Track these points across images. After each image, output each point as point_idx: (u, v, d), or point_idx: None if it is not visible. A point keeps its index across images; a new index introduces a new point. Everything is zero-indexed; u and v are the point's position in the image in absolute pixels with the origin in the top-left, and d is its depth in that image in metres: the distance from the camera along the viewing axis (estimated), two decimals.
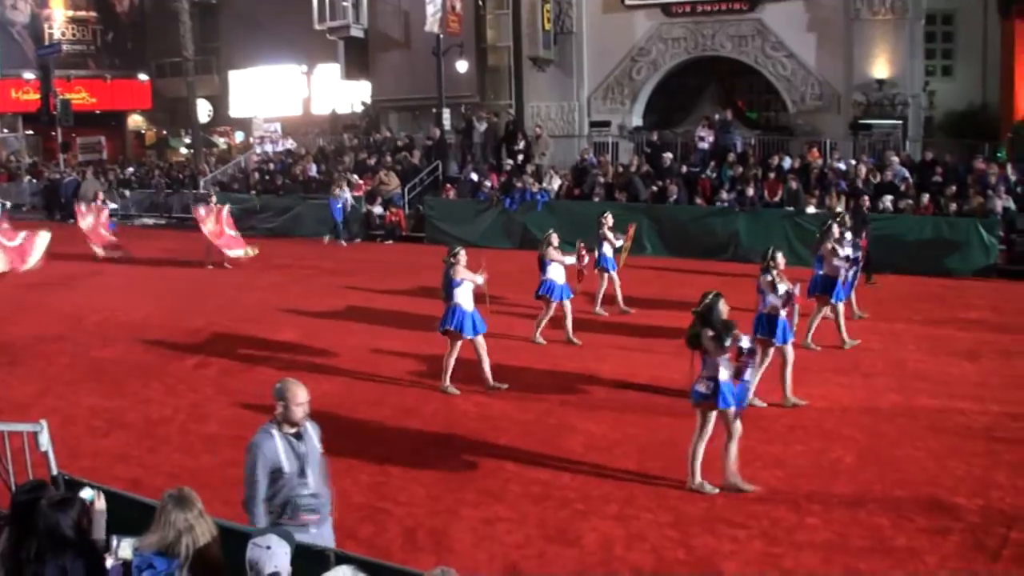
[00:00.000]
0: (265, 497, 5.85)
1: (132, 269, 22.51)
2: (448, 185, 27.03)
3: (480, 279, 11.96)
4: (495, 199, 24.40)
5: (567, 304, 14.14)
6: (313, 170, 30.40)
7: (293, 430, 5.93)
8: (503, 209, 24.07)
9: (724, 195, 22.45)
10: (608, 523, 7.96)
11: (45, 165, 41.86)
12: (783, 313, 11.02)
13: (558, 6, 29.40)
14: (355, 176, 28.05)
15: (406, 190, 27.34)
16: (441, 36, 29.03)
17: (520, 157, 26.71)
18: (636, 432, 10.16)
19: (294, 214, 27.43)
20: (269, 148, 36.57)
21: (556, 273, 14.03)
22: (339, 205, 25.69)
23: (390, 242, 25.94)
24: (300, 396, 5.89)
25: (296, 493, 5.88)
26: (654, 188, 23.23)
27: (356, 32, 34.46)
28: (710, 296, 8.80)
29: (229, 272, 21.47)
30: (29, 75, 43.89)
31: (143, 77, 49.17)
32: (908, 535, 7.70)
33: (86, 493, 5.49)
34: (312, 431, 6.07)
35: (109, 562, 5.13)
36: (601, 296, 16.25)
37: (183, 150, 46.96)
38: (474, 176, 26.15)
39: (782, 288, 10.94)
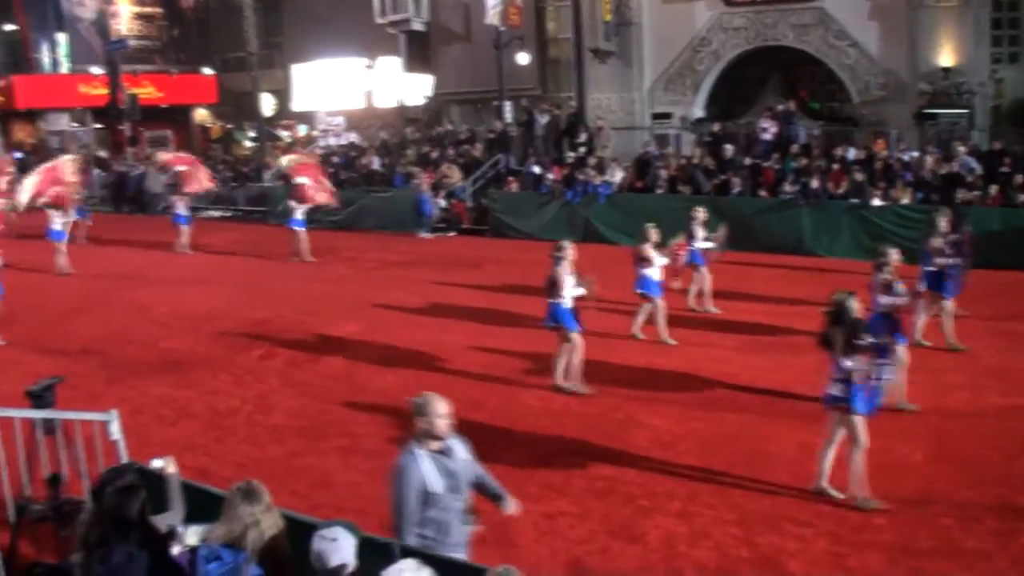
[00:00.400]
0: (416, 521, 5.58)
1: (199, 260, 22.85)
2: (510, 178, 27.04)
3: (575, 285, 11.50)
4: (557, 192, 24.38)
5: (660, 302, 13.77)
6: (376, 163, 30.60)
7: (438, 446, 5.66)
8: (565, 202, 24.03)
9: (787, 187, 22.21)
10: (672, 520, 7.97)
11: (113, 158, 42.56)
12: (898, 311, 10.66)
13: None
14: (418, 170, 28.19)
15: (469, 183, 27.42)
16: (502, 29, 29.06)
17: (582, 149, 26.67)
18: (700, 427, 10.15)
19: (357, 207, 27.58)
20: (332, 141, 36.89)
21: (653, 269, 13.63)
22: (427, 198, 25.76)
23: (453, 235, 26.01)
24: (441, 408, 5.64)
25: (449, 513, 5.64)
26: (716, 181, 23.06)
27: (417, 25, 34.62)
28: (841, 295, 8.44)
29: (296, 264, 21.68)
30: (97, 70, 44.69)
31: (208, 72, 49.78)
32: (976, 537, 7.61)
33: (157, 462, 5.63)
34: (458, 444, 5.81)
35: (176, 549, 5.24)
36: (695, 292, 15.80)
37: (248, 144, 47.45)
38: (536, 169, 26.15)
39: (899, 287, 10.56)
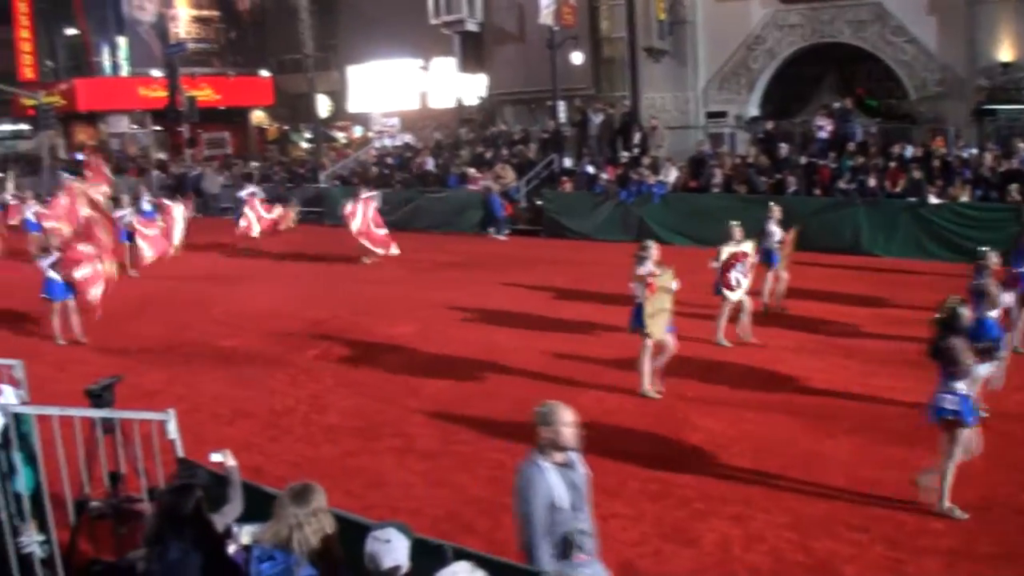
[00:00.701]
0: (548, 538, 5.29)
1: (256, 261, 23.08)
2: (564, 178, 27.01)
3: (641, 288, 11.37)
4: (611, 192, 24.31)
5: (746, 301, 13.53)
6: (430, 164, 30.72)
7: (562, 458, 5.38)
8: (619, 202, 23.96)
9: (843, 186, 21.94)
10: (726, 523, 7.91)
11: (172, 160, 43.16)
12: (996, 316, 10.24)
13: None
14: (472, 170, 28.26)
15: (522, 183, 27.43)
16: (555, 28, 29.01)
17: (636, 149, 26.58)
18: (754, 429, 10.07)
19: (412, 207, 27.69)
20: (387, 142, 37.07)
21: (740, 268, 13.32)
22: (499, 199, 25.78)
23: (507, 235, 26.02)
24: (567, 417, 5.36)
25: (571, 528, 5.34)
26: (772, 180, 22.86)
27: (471, 26, 34.70)
28: (953, 301, 8.15)
29: (351, 265, 21.81)
30: (156, 73, 45.31)
31: (265, 74, 50.28)
32: None
33: (216, 456, 5.70)
34: (576, 457, 5.53)
35: (231, 548, 5.31)
36: (769, 292, 15.36)
37: (304, 145, 47.85)
38: (590, 169, 26.11)
39: (998, 292, 10.24)
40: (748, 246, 13.53)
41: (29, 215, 23.81)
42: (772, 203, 16.12)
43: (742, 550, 7.52)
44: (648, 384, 11.28)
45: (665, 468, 9.08)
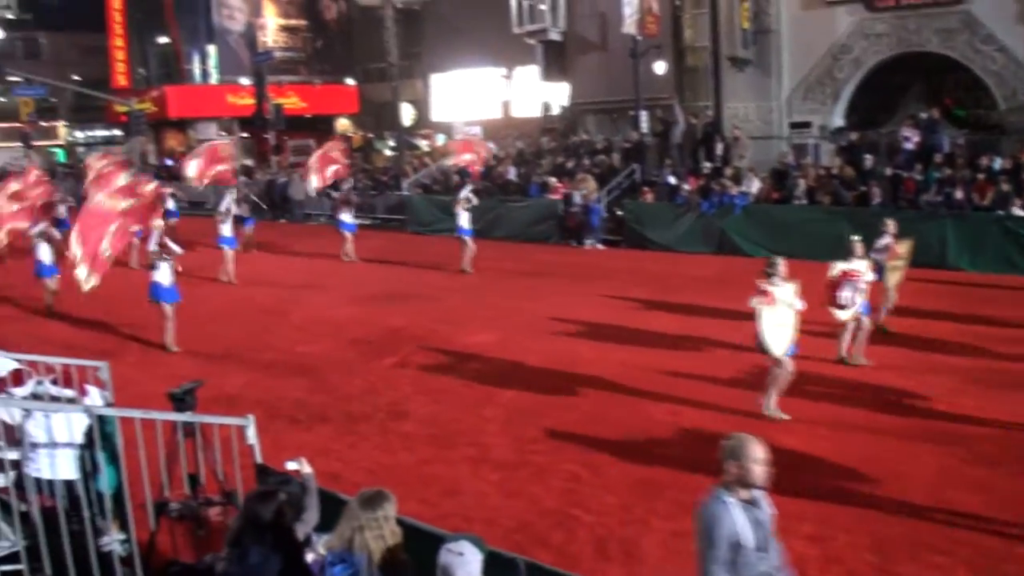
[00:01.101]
0: None
1: (337, 267, 23.34)
2: (646, 188, 26.87)
3: (761, 305, 11.04)
4: (693, 202, 24.12)
5: (865, 320, 13.00)
6: (511, 173, 30.77)
7: (748, 495, 5.04)
8: (701, 213, 23.76)
9: (930, 198, 21.48)
10: (802, 543, 7.76)
11: (258, 167, 43.87)
12: None
13: (756, 4, 28.76)
14: (553, 179, 28.25)
15: (604, 193, 27.34)
16: (638, 37, 28.92)
17: (718, 159, 26.37)
18: (833, 447, 9.87)
19: (494, 216, 27.76)
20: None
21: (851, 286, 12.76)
22: (598, 208, 25.66)
23: (574, 244, 25.88)
24: (758, 452, 5.02)
25: (757, 571, 5.03)
26: (856, 192, 22.47)
27: (554, 35, 34.74)
28: None
29: (431, 272, 21.93)
30: (244, 81, 46.18)
31: (350, 82, 50.93)
32: None
33: (291, 464, 5.76)
34: (762, 495, 5.16)
35: (310, 557, 5.36)
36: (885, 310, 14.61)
37: (387, 152, 48.30)
38: (672, 179, 25.95)
39: None
40: (863, 264, 12.99)
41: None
42: (887, 219, 15.14)
43: (819, 571, 7.38)
44: (774, 405, 10.92)
45: None
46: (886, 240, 14.28)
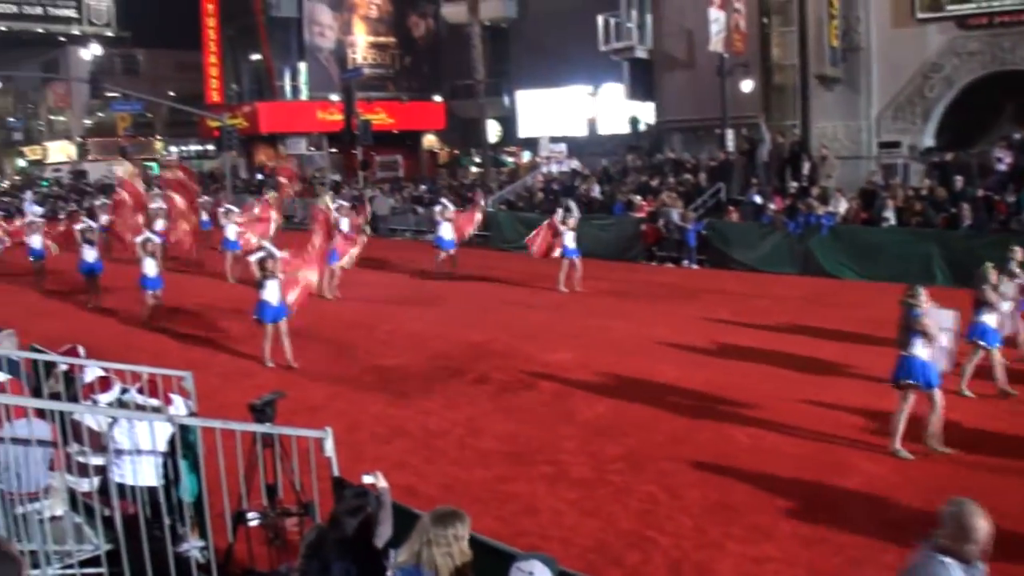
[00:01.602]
0: None
1: (420, 282, 23.51)
2: (731, 207, 26.65)
3: (942, 337, 10.45)
4: (778, 222, 23.83)
5: (995, 352, 12.24)
6: (596, 191, 30.74)
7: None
8: (787, 233, 23.44)
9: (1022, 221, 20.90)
10: (884, 573, 7.58)
11: (346, 182, 44.47)
12: None
13: (846, 22, 28.42)
14: (637, 197, 28.15)
15: (673, 212, 27.12)
16: (725, 55, 28.74)
17: (805, 179, 26.04)
18: (919, 476, 9.61)
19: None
20: (554, 168, 37.30)
21: (990, 316, 12.11)
22: (694, 228, 25.52)
23: (670, 264, 25.73)
24: (983, 531, 4.52)
25: None
26: (946, 213, 21.98)
27: (640, 53, 34.70)
28: None
29: (511, 289, 21.99)
30: (334, 97, 46.91)
31: (437, 99, 51.40)
32: None
33: (367, 477, 5.81)
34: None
35: (389, 574, 5.39)
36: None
37: (473, 169, 48.62)
38: (757, 198, 25.68)
39: None
40: (1010, 289, 12.42)
41: (230, 235, 24.47)
42: (1015, 245, 13.97)
43: None
44: (899, 443, 10.28)
45: (821, 512, 8.75)
46: (1016, 269, 13.25)
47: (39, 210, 32.28)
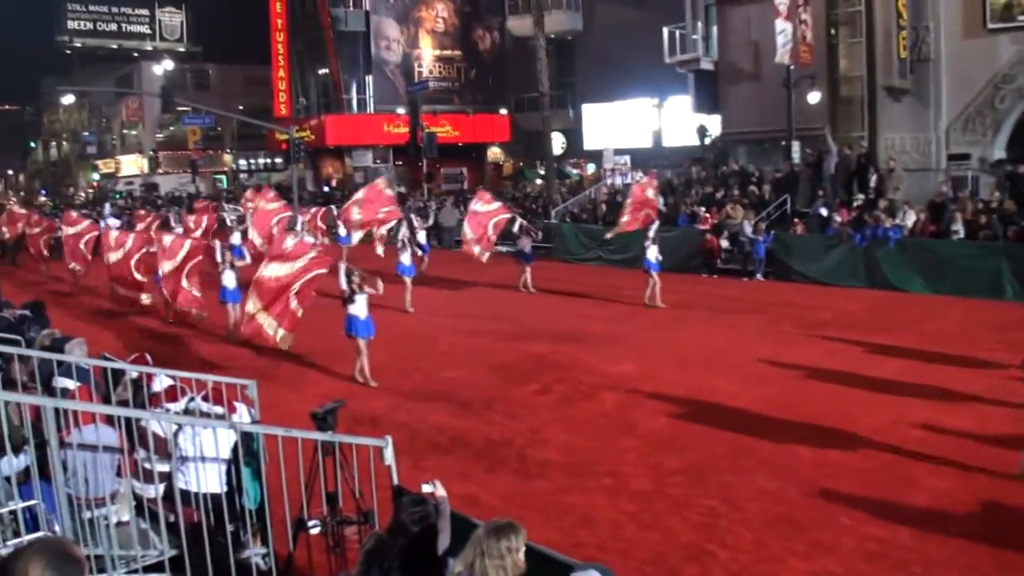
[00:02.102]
0: None
1: (479, 293, 23.59)
2: (796, 219, 26.41)
3: None
4: (844, 235, 23.55)
5: None
6: (660, 203, 30.61)
7: None
8: (853, 246, 23.15)
9: None
10: None
11: (411, 194, 44.80)
12: None
13: (915, 32, 28.02)
14: (702, 209, 28.01)
15: (745, 224, 26.95)
16: (792, 67, 28.52)
17: (872, 191, 25.72)
18: (986, 494, 9.41)
19: (641, 247, 27.50)
20: (619, 180, 37.27)
21: None
22: (763, 241, 25.32)
23: (745, 278, 25.41)
24: None
25: None
26: (1017, 226, 21.57)
27: (706, 65, 34.56)
28: None
29: (576, 301, 21.97)
30: (400, 110, 47.32)
31: (502, 111, 51.61)
32: None
33: (426, 487, 5.86)
34: None
35: None
36: None
37: (538, 181, 48.73)
38: (823, 210, 25.43)
39: None
40: None
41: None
42: None
43: None
44: None
45: (884, 527, 8.64)
46: None
47: (116, 222, 32.78)
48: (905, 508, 9.07)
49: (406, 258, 22.11)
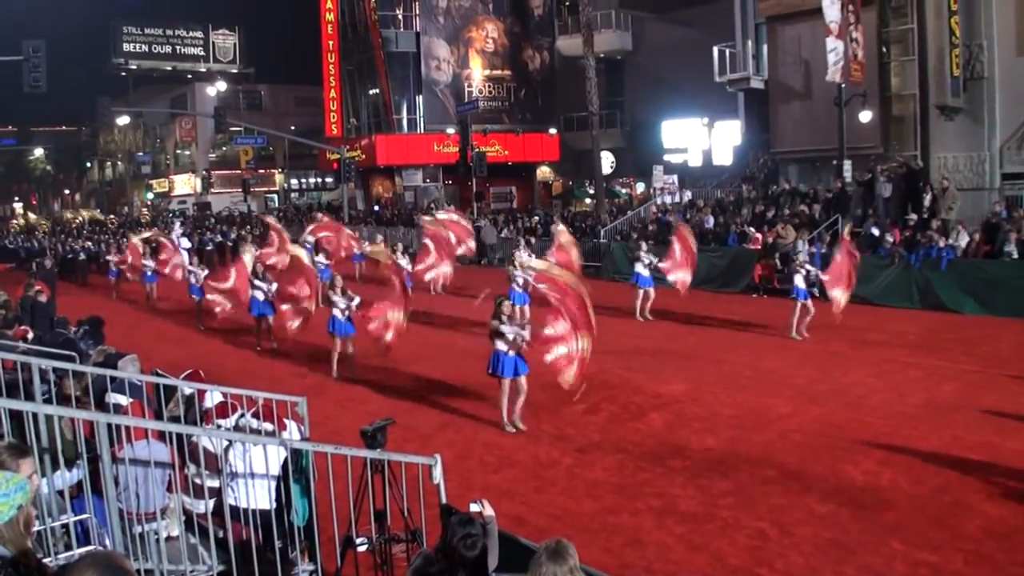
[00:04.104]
0: None
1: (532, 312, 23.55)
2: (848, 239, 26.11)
3: None
4: (897, 255, 23.29)
5: None
6: (710, 222, 30.51)
7: None
8: (905, 266, 22.88)
9: None
10: None
11: (460, 212, 44.95)
12: None
13: (968, 51, 27.75)
14: (751, 228, 27.84)
15: (805, 243, 26.70)
16: (843, 85, 28.33)
17: (925, 211, 25.43)
18: None
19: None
20: (668, 199, 37.18)
21: None
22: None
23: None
24: None
25: None
26: None
27: (756, 84, 34.48)
28: None
29: (625, 321, 21.86)
30: (450, 130, 47.61)
31: (552, 131, 51.72)
32: None
33: (474, 506, 5.86)
34: None
35: None
36: None
37: (587, 200, 48.74)
38: (875, 230, 25.17)
39: None
40: None
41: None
42: None
43: None
44: None
45: (936, 552, 8.50)
46: None
47: (188, 244, 32.94)
48: (958, 534, 8.92)
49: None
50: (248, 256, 20.49)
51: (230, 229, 44.72)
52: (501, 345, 13.08)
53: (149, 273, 27.62)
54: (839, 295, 19.17)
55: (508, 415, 13.20)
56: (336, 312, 16.42)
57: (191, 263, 25.10)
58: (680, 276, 22.02)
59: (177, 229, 34.37)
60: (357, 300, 16.56)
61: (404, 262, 23.40)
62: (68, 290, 31.47)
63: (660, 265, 22.08)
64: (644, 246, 22.82)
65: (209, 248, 36.61)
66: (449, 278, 24.29)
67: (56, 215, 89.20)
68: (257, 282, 19.48)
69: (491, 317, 13.34)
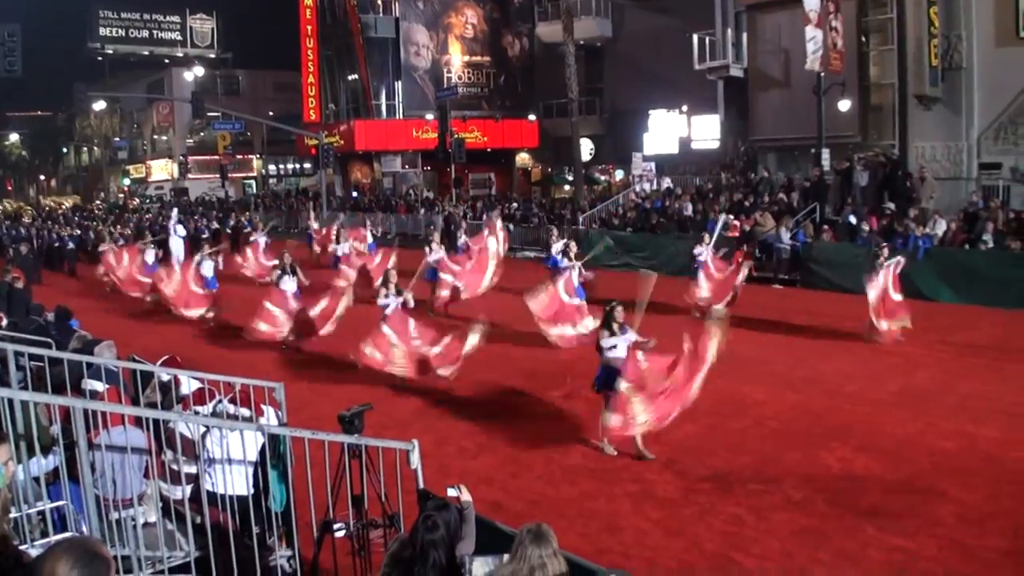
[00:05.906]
0: None
1: (513, 299, 23.52)
2: (825, 227, 26.26)
3: None
4: (874, 243, 23.35)
5: None
6: (688, 209, 30.55)
7: None
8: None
9: None
10: None
11: (439, 199, 44.96)
12: None
13: (947, 41, 27.85)
14: (730, 216, 27.86)
15: (782, 231, 26.81)
16: (822, 74, 28.40)
17: (902, 200, 25.55)
18: (1014, 506, 9.32)
19: (669, 253, 27.47)
20: (646, 186, 37.20)
21: None
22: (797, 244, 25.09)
23: (778, 285, 25.20)
24: None
25: None
26: None
27: (735, 72, 34.51)
28: None
29: (600, 307, 21.84)
30: (429, 116, 47.52)
31: (531, 117, 51.68)
32: None
33: (451, 491, 5.86)
34: None
35: None
36: None
37: (566, 187, 48.76)
38: (852, 219, 25.28)
39: None
40: None
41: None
42: None
43: None
44: None
45: (910, 538, 8.58)
46: None
47: (183, 232, 32.39)
48: (932, 520, 9.00)
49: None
50: (262, 239, 20.23)
51: (227, 216, 44.22)
52: (614, 354, 11.70)
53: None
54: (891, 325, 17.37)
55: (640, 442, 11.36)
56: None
57: (202, 252, 23.63)
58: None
59: (174, 217, 33.89)
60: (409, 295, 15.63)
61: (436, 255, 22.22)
62: (55, 280, 31.16)
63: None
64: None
65: (205, 236, 36.03)
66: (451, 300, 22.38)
67: (32, 201, 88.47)
68: (286, 277, 18.69)
69: (601, 326, 12.25)
